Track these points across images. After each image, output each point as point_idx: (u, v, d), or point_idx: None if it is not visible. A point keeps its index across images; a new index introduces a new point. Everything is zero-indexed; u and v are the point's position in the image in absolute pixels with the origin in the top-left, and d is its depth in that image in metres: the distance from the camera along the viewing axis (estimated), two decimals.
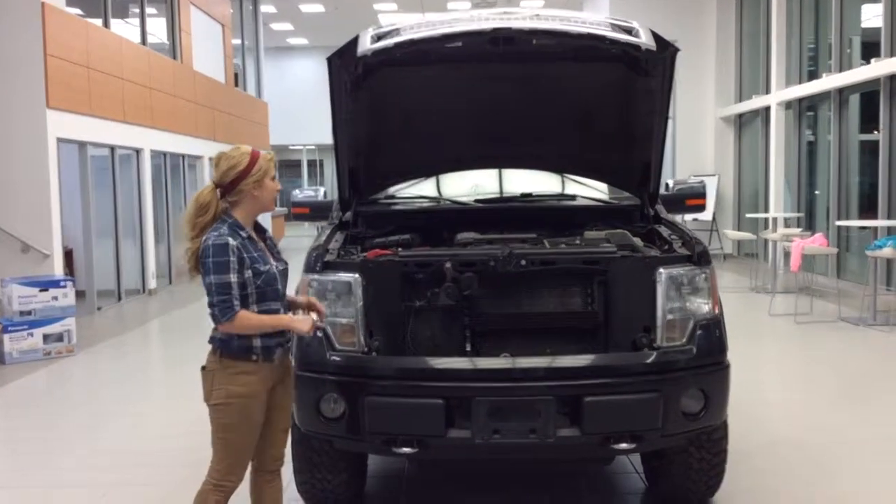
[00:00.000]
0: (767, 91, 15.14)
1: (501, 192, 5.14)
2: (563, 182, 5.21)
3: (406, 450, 3.56)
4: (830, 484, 4.60)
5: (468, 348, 3.86)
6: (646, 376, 3.58)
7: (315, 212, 5.35)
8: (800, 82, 14.14)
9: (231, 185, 3.19)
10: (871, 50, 11.90)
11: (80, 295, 10.55)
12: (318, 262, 3.79)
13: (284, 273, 3.35)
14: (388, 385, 3.58)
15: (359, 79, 4.08)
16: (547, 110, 4.53)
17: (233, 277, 3.08)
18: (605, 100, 4.43)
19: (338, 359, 3.64)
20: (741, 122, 16.92)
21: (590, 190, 5.07)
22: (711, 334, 3.76)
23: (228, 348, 3.18)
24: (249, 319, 3.12)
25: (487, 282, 3.80)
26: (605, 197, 5.04)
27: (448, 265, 3.76)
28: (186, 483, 3.66)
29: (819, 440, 5.33)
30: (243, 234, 3.19)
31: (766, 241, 13.91)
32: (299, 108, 26.20)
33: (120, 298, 12.71)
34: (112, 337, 10.01)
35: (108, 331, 10.42)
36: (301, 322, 3.27)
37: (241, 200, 3.22)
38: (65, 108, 10.76)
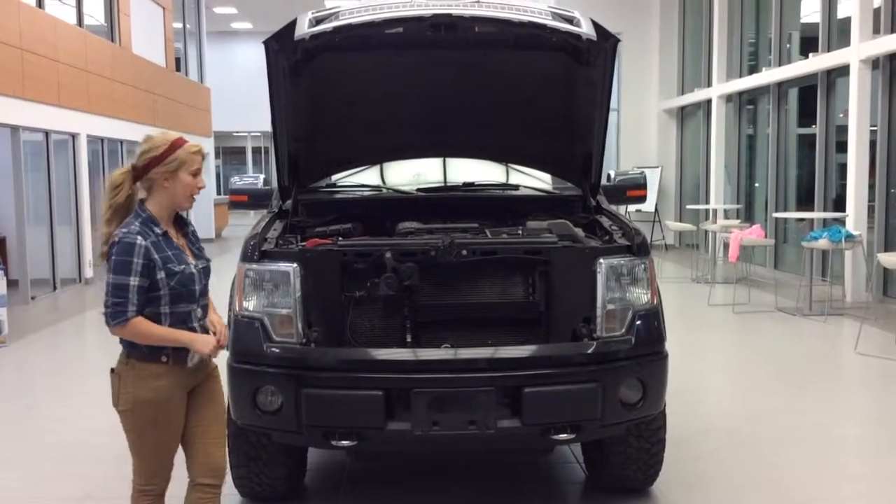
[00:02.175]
0: (709, 84, 15.38)
1: (445, 181, 5.11)
2: (506, 172, 5.20)
3: (345, 443, 3.51)
4: (762, 470, 4.68)
5: (409, 339, 3.82)
6: (585, 367, 3.59)
7: (254, 200, 5.25)
8: (740, 76, 14.38)
9: (143, 169, 2.99)
10: (809, 45, 12.16)
11: (12, 284, 10.24)
12: (255, 252, 3.71)
13: (205, 271, 3.15)
14: (326, 377, 3.53)
15: (297, 64, 4.00)
16: (490, 99, 4.51)
17: (133, 280, 2.88)
18: (547, 89, 4.42)
19: (275, 350, 3.57)
20: (683, 115, 17.17)
21: (532, 180, 5.07)
22: (650, 324, 3.78)
23: (136, 349, 2.98)
24: (145, 328, 2.93)
25: (428, 272, 3.77)
26: (547, 187, 5.04)
27: (388, 255, 3.72)
28: (121, 475, 3.55)
29: (752, 427, 5.43)
30: (157, 230, 2.99)
31: (706, 232, 14.16)
32: (244, 94, 25.73)
33: (55, 288, 12.37)
34: (46, 327, 9.74)
35: (42, 321, 10.14)
36: (202, 342, 3.02)
37: (153, 190, 3.02)
38: None
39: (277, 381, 3.52)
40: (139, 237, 2.92)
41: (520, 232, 4.13)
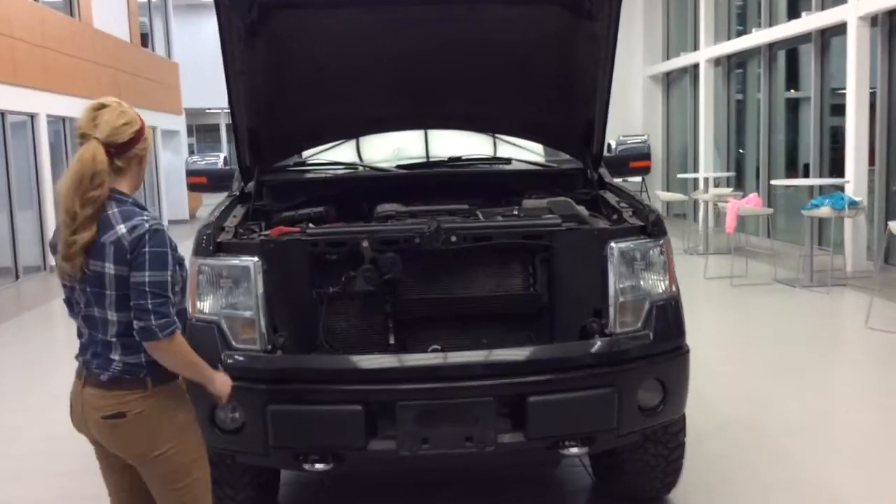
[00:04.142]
0: (696, 48, 14.84)
1: (428, 156, 4.57)
2: (495, 144, 4.67)
3: (320, 466, 3.00)
4: (789, 467, 4.23)
5: (391, 341, 3.31)
6: (598, 369, 3.10)
7: (214, 181, 4.70)
8: (728, 38, 13.86)
9: (126, 146, 2.42)
10: (801, 4, 11.64)
11: None
12: (209, 244, 3.18)
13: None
14: (296, 389, 3.02)
15: (254, 24, 3.45)
16: (476, 62, 3.94)
17: (169, 276, 2.39)
18: (542, 48, 3.87)
19: (235, 359, 3.05)
20: (669, 81, 16.65)
21: (526, 153, 4.55)
22: (669, 316, 3.30)
23: (161, 372, 2.44)
24: (185, 344, 2.44)
25: (412, 262, 3.26)
26: (543, 160, 4.52)
27: (365, 244, 3.20)
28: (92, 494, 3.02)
29: (772, 418, 4.97)
30: None
31: (695, 201, 13.71)
32: (216, 70, 24.56)
33: (17, 277, 11.76)
34: (7, 319, 9.14)
35: (3, 313, 9.54)
36: (222, 382, 2.62)
37: (127, 170, 2.47)
38: None
39: (238, 395, 2.97)
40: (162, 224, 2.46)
41: (516, 213, 3.61)
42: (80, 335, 2.53)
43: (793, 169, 12.29)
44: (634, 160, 4.84)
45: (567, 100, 3.98)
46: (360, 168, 4.32)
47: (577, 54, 3.79)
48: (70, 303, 2.52)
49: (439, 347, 3.25)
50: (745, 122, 13.90)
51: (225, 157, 4.79)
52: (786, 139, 12.61)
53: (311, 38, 3.76)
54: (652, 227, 3.34)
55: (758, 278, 9.49)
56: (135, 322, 2.33)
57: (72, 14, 14.29)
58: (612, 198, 3.84)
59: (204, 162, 4.82)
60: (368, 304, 3.31)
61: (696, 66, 14.86)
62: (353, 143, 4.48)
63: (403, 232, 3.24)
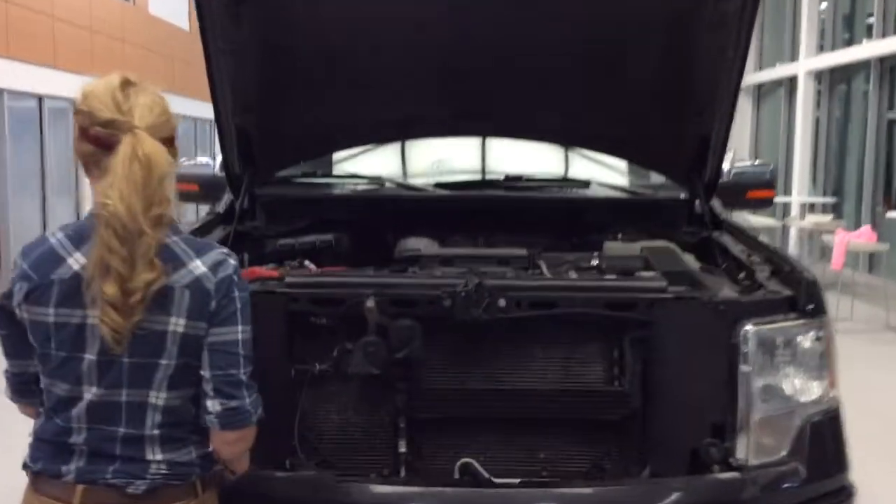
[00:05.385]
0: (794, 58, 13.43)
1: (483, 172, 3.48)
2: (566, 160, 3.57)
3: None
4: None
5: (402, 450, 2.22)
6: None
7: (206, 190, 3.69)
8: (833, 49, 12.43)
9: (171, 141, 1.71)
10: None
11: None
12: None
13: None
14: None
15: None
16: (551, 48, 2.79)
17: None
18: (645, 33, 2.74)
19: None
20: (760, 94, 15.24)
21: (607, 171, 3.43)
22: (828, 438, 2.17)
23: (209, 470, 1.75)
24: None
25: (439, 335, 2.18)
26: (624, 182, 3.42)
27: (371, 303, 2.13)
28: None
29: None
30: None
31: (787, 227, 12.34)
32: None
33: None
34: None
35: None
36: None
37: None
38: None
39: None
40: None
41: (595, 263, 2.49)
42: (58, 434, 1.67)
43: None
44: (755, 189, 3.65)
45: (675, 107, 2.86)
46: (386, 184, 3.24)
47: (695, 46, 2.68)
48: (27, 382, 1.76)
49: (474, 463, 2.17)
50: (847, 144, 12.46)
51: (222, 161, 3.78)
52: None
53: (321, 8, 2.72)
54: (806, 298, 2.20)
55: (866, 323, 8.17)
56: (214, 401, 1.65)
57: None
58: (732, 244, 2.71)
59: (195, 165, 3.81)
60: (371, 393, 2.23)
61: (792, 79, 13.45)
62: (378, 150, 3.40)
63: (428, 288, 2.16)
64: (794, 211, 12.41)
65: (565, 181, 3.32)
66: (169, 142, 1.68)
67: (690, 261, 2.51)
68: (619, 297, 2.18)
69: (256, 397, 1.71)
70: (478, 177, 3.38)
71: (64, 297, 1.60)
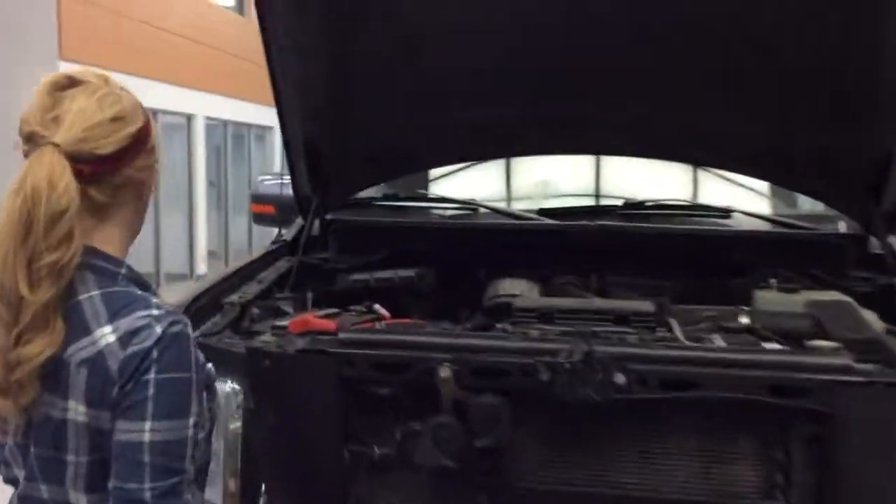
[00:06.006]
0: None
1: (597, 196, 2.96)
2: (695, 182, 3.00)
3: None
4: None
5: None
6: None
7: (284, 214, 3.30)
8: None
9: (112, 161, 1.26)
10: None
11: None
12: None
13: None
14: None
15: None
16: (683, 41, 2.26)
17: (191, 426, 1.24)
18: (813, 27, 2.15)
19: None
20: None
21: (744, 195, 2.85)
22: None
23: None
24: None
25: (533, 419, 1.68)
26: (771, 210, 2.83)
27: (446, 371, 1.64)
28: None
29: None
30: None
31: None
32: None
33: (158, 284, 11.20)
34: None
35: None
36: None
37: (115, 209, 1.29)
38: (83, 60, 9.18)
39: None
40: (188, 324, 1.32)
41: (746, 321, 1.91)
42: None
43: None
44: None
45: (847, 112, 2.24)
46: (480, 210, 2.75)
47: (878, 24, 2.06)
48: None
49: None
50: None
51: None
52: None
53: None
54: None
55: None
56: None
57: (241, 12, 13.91)
58: None
59: (278, 184, 3.43)
60: (444, 489, 1.74)
61: None
62: (471, 169, 2.93)
63: (520, 355, 1.65)
64: None
65: (700, 208, 2.74)
66: (111, 161, 1.24)
67: (873, 320, 1.90)
68: (786, 379, 1.60)
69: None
70: (590, 202, 2.86)
71: None
